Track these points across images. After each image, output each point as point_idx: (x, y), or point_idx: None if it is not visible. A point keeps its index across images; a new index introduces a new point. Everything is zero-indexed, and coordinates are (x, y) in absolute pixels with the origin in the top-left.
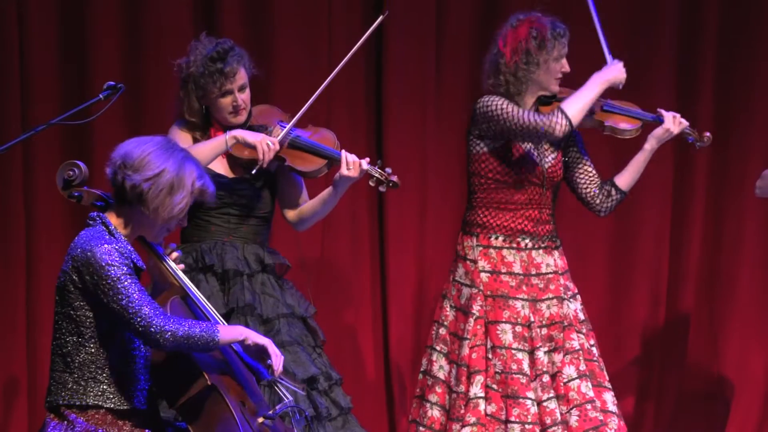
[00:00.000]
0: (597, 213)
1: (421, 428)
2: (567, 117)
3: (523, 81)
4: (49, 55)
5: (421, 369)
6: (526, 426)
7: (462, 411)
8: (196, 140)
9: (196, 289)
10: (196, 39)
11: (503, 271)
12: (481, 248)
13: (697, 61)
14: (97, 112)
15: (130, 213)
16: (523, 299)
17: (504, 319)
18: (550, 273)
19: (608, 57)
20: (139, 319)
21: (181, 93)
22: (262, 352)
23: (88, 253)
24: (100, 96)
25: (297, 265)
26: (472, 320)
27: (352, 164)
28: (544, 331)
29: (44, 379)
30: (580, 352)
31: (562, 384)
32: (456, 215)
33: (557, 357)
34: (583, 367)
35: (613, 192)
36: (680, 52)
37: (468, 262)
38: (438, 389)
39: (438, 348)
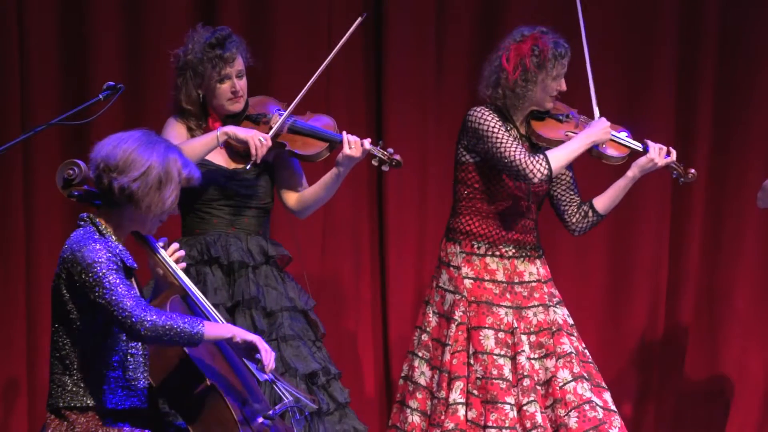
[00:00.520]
0: (571, 232)
1: None
2: (549, 168)
3: (519, 97)
4: (49, 55)
5: (402, 374)
6: (504, 431)
7: (442, 417)
8: (191, 129)
9: (196, 288)
10: (192, 29)
11: (486, 278)
12: (464, 255)
13: (697, 66)
14: (96, 113)
15: (121, 213)
16: (507, 306)
17: (487, 325)
18: (534, 281)
19: (596, 111)
20: (120, 310)
21: (179, 81)
22: (252, 350)
23: (77, 254)
24: (100, 96)
25: (294, 257)
26: (454, 326)
27: (353, 143)
28: (533, 338)
29: (44, 379)
30: (573, 354)
31: (558, 388)
32: None
33: (550, 362)
34: (577, 369)
35: (590, 214)
36: (680, 58)
37: (451, 269)
38: (419, 395)
39: (420, 354)
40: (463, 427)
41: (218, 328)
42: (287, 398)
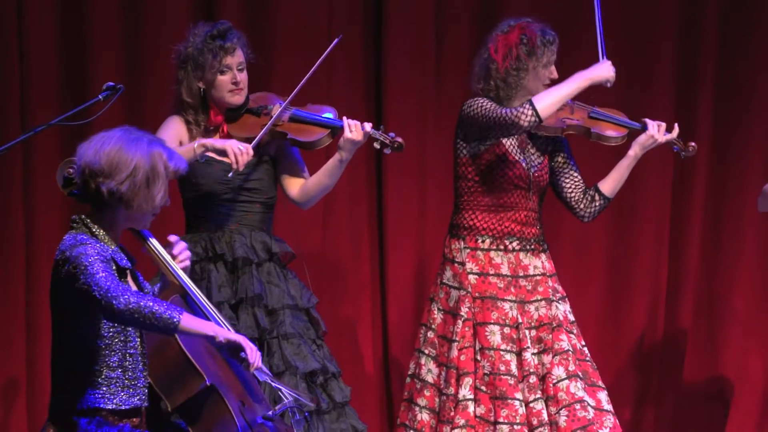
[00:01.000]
0: (580, 218)
1: (410, 431)
2: (534, 108)
3: (512, 86)
4: (48, 55)
5: (409, 372)
6: (515, 427)
7: (452, 413)
8: (189, 123)
9: (191, 281)
10: (193, 25)
11: (491, 272)
12: (468, 250)
13: (697, 68)
14: (96, 113)
15: (113, 214)
16: (511, 300)
17: (492, 321)
18: (538, 275)
19: (601, 56)
20: (97, 289)
21: (180, 75)
22: (236, 349)
23: (66, 252)
24: (100, 97)
25: (296, 254)
26: (460, 322)
27: (354, 127)
28: (533, 332)
29: (43, 379)
30: (570, 352)
31: (551, 385)
32: None
33: (546, 358)
34: (572, 367)
35: (597, 198)
36: (680, 59)
37: (456, 265)
38: (426, 392)
39: (426, 351)
40: (473, 423)
41: (199, 324)
42: (287, 398)
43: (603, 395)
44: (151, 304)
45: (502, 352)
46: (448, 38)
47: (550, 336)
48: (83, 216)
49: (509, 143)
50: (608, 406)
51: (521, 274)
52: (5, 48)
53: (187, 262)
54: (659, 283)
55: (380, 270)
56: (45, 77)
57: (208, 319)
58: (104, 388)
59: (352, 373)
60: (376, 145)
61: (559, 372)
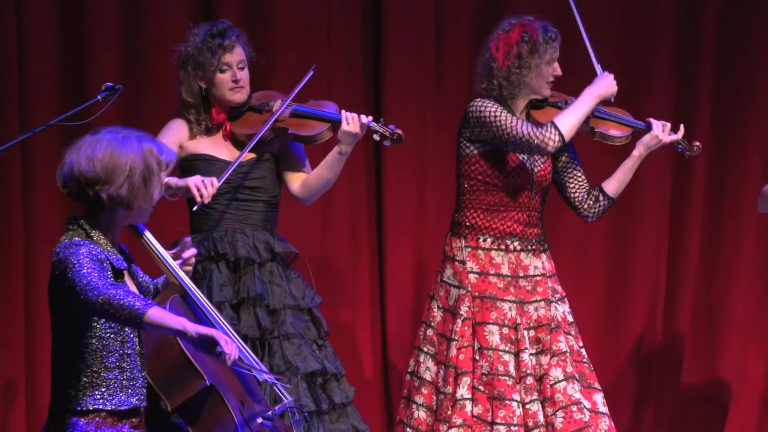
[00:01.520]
0: (584, 218)
1: (408, 429)
2: (560, 133)
3: (515, 85)
4: (47, 55)
5: (408, 370)
6: (512, 428)
7: (449, 412)
8: (191, 123)
9: (194, 285)
10: (193, 25)
11: (491, 272)
12: (469, 249)
13: (696, 69)
14: (95, 113)
15: (110, 215)
16: (510, 301)
17: (491, 321)
18: (538, 275)
19: (597, 69)
20: (78, 284)
21: (181, 75)
22: (210, 344)
23: (60, 254)
24: (99, 97)
25: (300, 253)
26: (459, 321)
27: (351, 119)
28: (532, 333)
29: (42, 379)
30: (568, 354)
31: (548, 386)
32: None
33: (544, 359)
34: (570, 369)
35: (601, 198)
36: (678, 60)
37: (456, 263)
38: (424, 390)
39: (425, 349)
40: (470, 423)
41: (167, 317)
42: (287, 398)
43: (599, 397)
44: (121, 295)
45: (500, 353)
46: (448, 38)
47: (549, 337)
48: (80, 219)
49: None
50: (604, 409)
51: (521, 274)
52: (4, 48)
53: (190, 268)
54: (658, 284)
55: (379, 270)
56: (44, 77)
57: (208, 319)
58: (102, 389)
59: (351, 374)
60: (376, 137)
61: (556, 373)
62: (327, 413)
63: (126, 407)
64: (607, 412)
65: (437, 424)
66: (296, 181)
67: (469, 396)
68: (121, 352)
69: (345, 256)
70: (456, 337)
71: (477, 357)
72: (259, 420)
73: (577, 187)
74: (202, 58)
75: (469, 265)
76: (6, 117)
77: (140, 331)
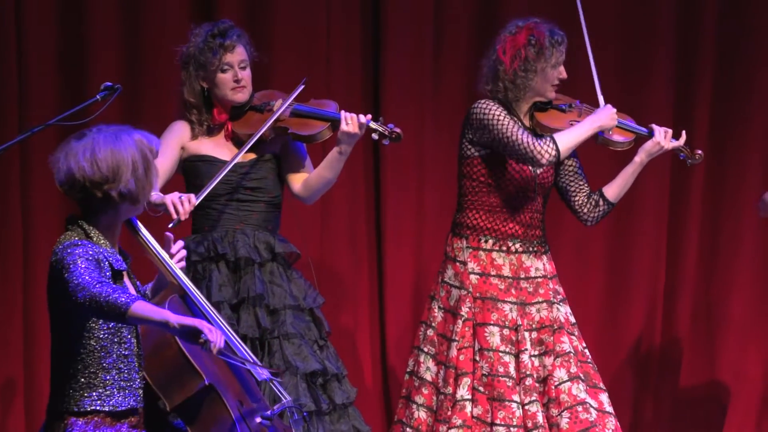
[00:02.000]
0: (584, 222)
1: (407, 429)
2: (557, 149)
3: (521, 88)
4: (47, 55)
5: (408, 370)
6: (511, 429)
7: (449, 413)
8: (192, 123)
9: (194, 286)
10: (194, 25)
11: (492, 273)
12: (470, 250)
13: (695, 70)
14: (94, 113)
15: (115, 212)
16: (511, 302)
17: (492, 322)
18: (539, 277)
19: (600, 99)
20: (70, 283)
21: (183, 75)
22: (194, 334)
23: (59, 254)
24: (98, 97)
25: (302, 254)
26: (460, 322)
27: (350, 119)
28: (534, 334)
29: (41, 379)
30: (571, 354)
31: (553, 387)
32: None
33: (548, 360)
34: (574, 369)
35: (601, 202)
36: (678, 59)
37: (457, 264)
38: (424, 390)
39: (425, 349)
40: (470, 424)
41: (150, 310)
42: (286, 398)
43: (604, 397)
44: (107, 292)
45: (501, 354)
46: (447, 38)
47: (552, 338)
48: (78, 218)
49: None
50: (609, 408)
51: (522, 276)
52: (4, 48)
53: (183, 263)
54: (657, 284)
55: (378, 271)
56: (43, 77)
57: (207, 319)
58: (100, 390)
59: (351, 375)
60: (374, 136)
61: (560, 374)
62: (328, 413)
63: (123, 408)
64: (613, 411)
65: (437, 425)
66: (297, 180)
67: (469, 397)
68: (118, 352)
69: (344, 257)
70: (456, 338)
71: (477, 358)
72: (258, 419)
73: (577, 190)
74: (204, 58)
75: (471, 266)
76: (5, 116)
77: (138, 332)
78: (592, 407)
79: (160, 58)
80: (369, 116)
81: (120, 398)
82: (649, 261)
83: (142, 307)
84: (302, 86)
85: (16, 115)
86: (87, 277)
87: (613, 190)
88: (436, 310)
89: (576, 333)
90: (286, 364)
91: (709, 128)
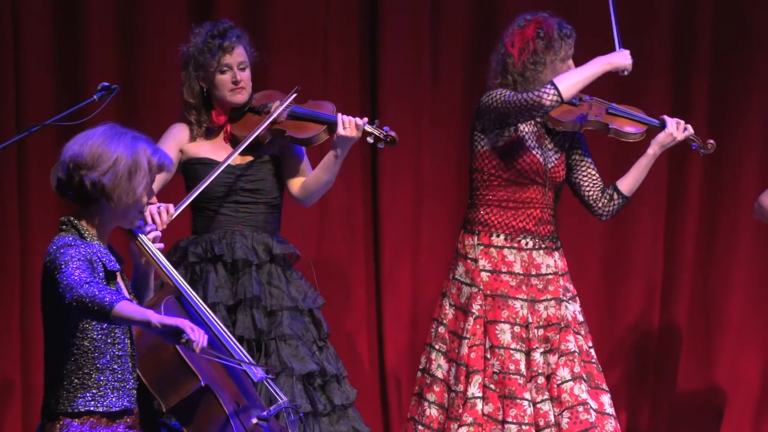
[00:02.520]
0: (599, 217)
1: (419, 427)
2: (557, 89)
3: (530, 81)
4: (44, 55)
5: (420, 367)
6: (523, 427)
7: (460, 410)
8: (191, 125)
9: (190, 288)
10: (195, 25)
11: (504, 270)
12: (482, 247)
13: (692, 68)
14: (91, 113)
15: (97, 210)
16: (522, 299)
17: (503, 319)
18: (550, 274)
19: (617, 44)
20: (60, 284)
21: (183, 75)
22: (175, 333)
23: (52, 255)
24: (94, 97)
25: (302, 255)
26: (471, 319)
27: (347, 123)
28: (541, 332)
29: (38, 381)
30: (576, 353)
31: (555, 386)
32: (451, 218)
33: (552, 358)
34: (577, 369)
35: (616, 196)
36: (674, 59)
37: (468, 261)
38: (436, 388)
39: (437, 346)
40: (481, 422)
41: (133, 310)
42: (282, 398)
43: (606, 398)
44: (92, 292)
45: (512, 351)
46: (444, 37)
47: (557, 336)
48: (71, 217)
49: (527, 138)
50: (610, 410)
51: (533, 272)
52: (1, 47)
53: (161, 245)
54: (654, 286)
55: (375, 273)
56: (40, 77)
57: (201, 318)
58: (94, 391)
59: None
60: (370, 140)
61: (563, 373)
62: (326, 415)
63: (117, 409)
64: (614, 413)
65: (448, 422)
66: (295, 183)
67: (480, 395)
68: (112, 353)
69: (341, 258)
70: (467, 336)
71: (488, 355)
72: (254, 420)
73: (591, 185)
74: (203, 59)
75: (482, 263)
76: (2, 116)
77: (131, 333)
78: (593, 408)
79: (157, 58)
80: (365, 119)
81: (114, 399)
82: (646, 261)
83: (126, 307)
84: (294, 94)
85: (13, 115)
86: (76, 278)
87: (627, 183)
88: (447, 307)
89: (583, 332)
90: (282, 366)
91: (707, 126)
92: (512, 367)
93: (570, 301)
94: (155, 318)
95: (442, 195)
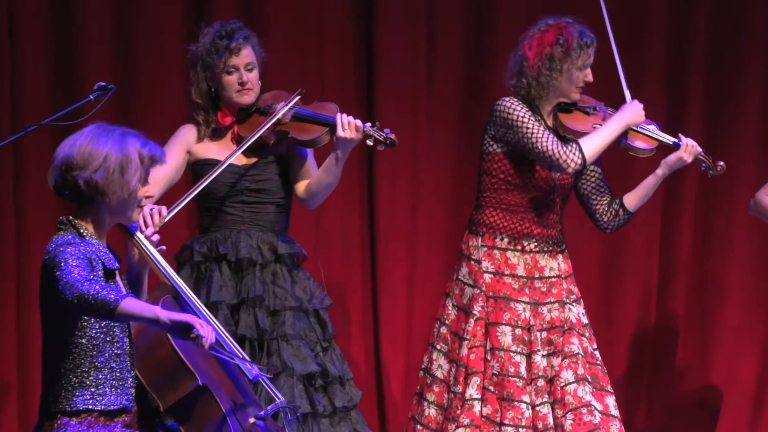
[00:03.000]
0: (603, 229)
1: (418, 426)
2: (583, 156)
3: (544, 86)
4: (39, 55)
5: (422, 366)
6: (520, 429)
7: (458, 411)
8: (199, 125)
9: (188, 288)
10: (207, 25)
11: (507, 272)
12: (485, 249)
13: (687, 68)
14: (87, 113)
15: (94, 208)
16: (524, 302)
17: (504, 321)
18: (553, 277)
19: (627, 95)
20: (60, 282)
21: (191, 75)
22: (185, 329)
23: (51, 254)
24: (91, 97)
25: (310, 253)
26: (472, 321)
27: (347, 125)
28: (544, 334)
29: (35, 381)
30: (580, 356)
31: (559, 388)
32: (447, 219)
33: (555, 361)
34: (581, 371)
35: (621, 212)
36: (669, 60)
37: (472, 262)
38: (436, 388)
39: (438, 347)
40: (479, 423)
41: (140, 307)
42: (279, 398)
43: (611, 400)
44: (95, 290)
45: (512, 354)
46: (440, 37)
47: (561, 339)
48: (69, 217)
49: None
50: (615, 412)
51: (537, 275)
52: None
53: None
54: (650, 286)
55: (372, 274)
56: (36, 77)
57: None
58: (92, 389)
59: None
60: (369, 142)
61: (567, 375)
62: (327, 416)
63: (115, 407)
64: (619, 416)
65: (446, 423)
66: (301, 185)
67: (478, 396)
68: (110, 351)
69: (337, 259)
70: (468, 337)
71: (488, 357)
72: (252, 420)
73: (598, 198)
74: (210, 60)
75: (485, 264)
76: None
77: (130, 331)
78: (597, 410)
79: (153, 58)
80: (368, 123)
81: (112, 397)
82: (642, 263)
83: (132, 304)
84: (298, 96)
85: (9, 115)
86: (76, 275)
87: (632, 200)
88: (450, 308)
89: (587, 334)
90: (283, 366)
91: (701, 129)
92: (512, 370)
93: (574, 304)
94: (164, 314)
95: (438, 195)
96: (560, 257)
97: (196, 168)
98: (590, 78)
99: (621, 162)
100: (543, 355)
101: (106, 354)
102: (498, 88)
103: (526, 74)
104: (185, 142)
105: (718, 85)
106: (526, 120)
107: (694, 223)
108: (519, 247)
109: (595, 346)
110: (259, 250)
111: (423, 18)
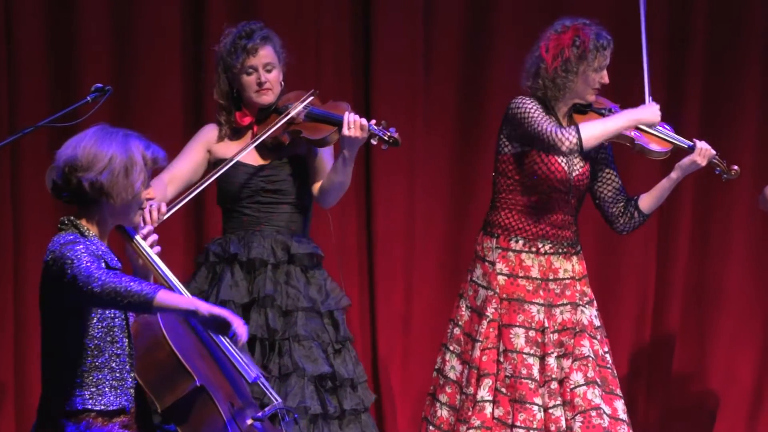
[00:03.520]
0: (618, 232)
1: (431, 427)
2: (579, 137)
3: (560, 88)
4: (37, 56)
5: (435, 367)
6: (531, 431)
7: (469, 413)
8: (221, 125)
9: (187, 291)
10: (227, 24)
11: (521, 275)
12: (500, 250)
13: (685, 69)
14: (84, 114)
15: (97, 209)
16: (539, 304)
17: (518, 323)
18: (567, 279)
19: (647, 97)
20: (79, 276)
21: (215, 76)
22: (223, 325)
23: (56, 252)
24: (88, 98)
25: (330, 253)
26: (485, 322)
27: (352, 124)
28: (555, 336)
29: (32, 381)
30: (590, 358)
31: (568, 390)
32: (444, 219)
33: (566, 363)
34: (591, 374)
35: (636, 215)
36: (668, 60)
37: (486, 264)
38: (448, 389)
39: (451, 348)
40: (490, 425)
41: (177, 298)
42: (276, 400)
43: (620, 404)
44: (127, 282)
45: (524, 356)
46: (438, 37)
47: (572, 341)
48: (71, 217)
49: None
50: (624, 416)
51: (551, 277)
52: None
53: (157, 248)
54: (647, 290)
55: (369, 274)
56: (34, 78)
57: None
58: (92, 389)
59: None
60: (374, 141)
61: (577, 377)
62: (338, 418)
63: (114, 407)
64: (627, 420)
65: (458, 425)
66: (316, 185)
67: (490, 398)
68: (110, 352)
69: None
70: (480, 338)
71: (501, 359)
72: (249, 421)
73: (614, 201)
74: (230, 60)
75: (499, 266)
76: None
77: (129, 332)
78: (606, 413)
79: (151, 59)
80: (373, 121)
81: (112, 397)
82: (639, 264)
83: (168, 296)
84: (311, 96)
85: (6, 116)
86: (95, 269)
87: (647, 202)
88: (463, 309)
89: (599, 336)
90: (294, 366)
91: (700, 128)
92: (524, 372)
93: (587, 306)
94: (204, 307)
95: (435, 196)
96: (575, 258)
97: (215, 167)
98: (606, 80)
99: (621, 162)
100: (555, 357)
101: (107, 354)
102: (496, 89)
103: (542, 75)
104: (205, 142)
105: (716, 85)
106: (532, 111)
107: (692, 224)
108: (534, 249)
109: (606, 349)
110: (271, 250)
111: (420, 18)
